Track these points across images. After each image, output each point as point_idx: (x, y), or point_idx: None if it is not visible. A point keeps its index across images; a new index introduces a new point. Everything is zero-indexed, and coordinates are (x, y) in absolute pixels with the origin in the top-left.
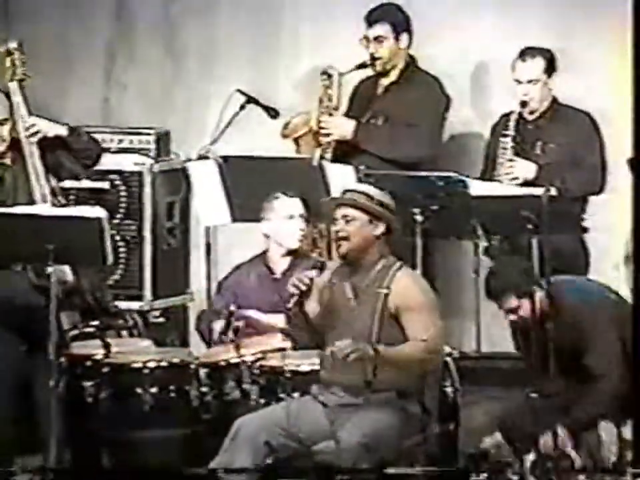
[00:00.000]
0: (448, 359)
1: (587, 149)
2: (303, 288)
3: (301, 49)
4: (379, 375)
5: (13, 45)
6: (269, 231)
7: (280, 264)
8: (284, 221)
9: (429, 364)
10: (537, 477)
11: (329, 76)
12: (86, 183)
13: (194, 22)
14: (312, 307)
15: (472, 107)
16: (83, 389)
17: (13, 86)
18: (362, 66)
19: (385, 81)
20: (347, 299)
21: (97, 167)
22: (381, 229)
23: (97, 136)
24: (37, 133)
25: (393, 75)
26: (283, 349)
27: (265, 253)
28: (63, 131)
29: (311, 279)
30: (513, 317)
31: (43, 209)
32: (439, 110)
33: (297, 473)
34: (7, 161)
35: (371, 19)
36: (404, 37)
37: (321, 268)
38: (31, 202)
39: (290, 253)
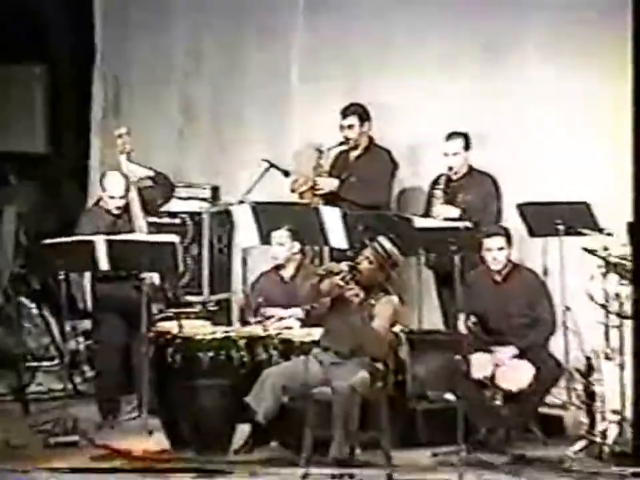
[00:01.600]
0: (401, 333)
1: (490, 199)
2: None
3: (302, 133)
4: (358, 346)
5: (123, 130)
6: (275, 251)
7: (287, 273)
8: (276, 246)
9: (383, 342)
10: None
11: (321, 151)
12: (166, 220)
13: (233, 117)
14: (324, 287)
15: (412, 171)
16: (164, 353)
17: (123, 157)
18: (340, 144)
19: (354, 153)
20: (350, 300)
21: (173, 210)
22: (384, 276)
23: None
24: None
25: (360, 149)
26: (291, 327)
27: (278, 265)
28: (151, 173)
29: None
30: None
31: (141, 236)
32: (389, 172)
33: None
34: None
35: (345, 113)
36: (366, 125)
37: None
38: (132, 231)
39: (278, 267)
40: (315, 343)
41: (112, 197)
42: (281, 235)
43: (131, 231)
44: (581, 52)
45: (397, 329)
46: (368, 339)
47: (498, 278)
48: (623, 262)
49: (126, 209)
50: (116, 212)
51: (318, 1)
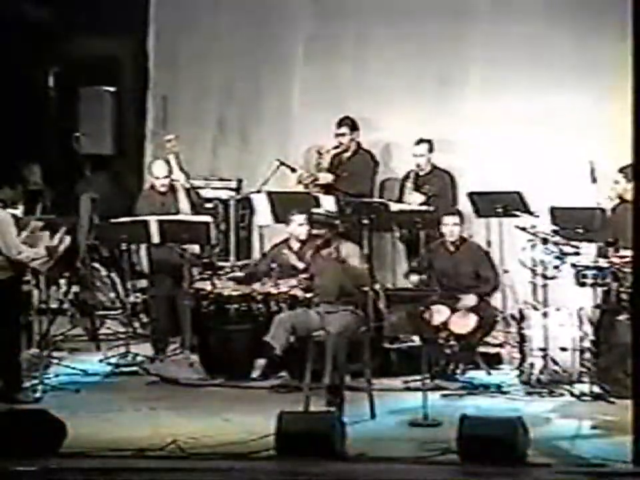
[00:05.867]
0: (380, 290)
1: (448, 189)
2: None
3: (306, 138)
4: (343, 299)
5: (172, 136)
6: (290, 229)
7: (294, 245)
8: (297, 226)
9: (361, 276)
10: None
11: (320, 153)
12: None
13: (253, 128)
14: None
15: (388, 167)
16: (201, 305)
17: (171, 157)
18: (335, 148)
19: (346, 155)
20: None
21: (208, 196)
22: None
23: (207, 182)
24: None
25: (350, 152)
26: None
27: (287, 239)
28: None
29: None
30: None
31: (183, 216)
32: (372, 169)
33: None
34: (168, 194)
35: (339, 124)
36: (355, 133)
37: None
38: (177, 213)
39: (299, 240)
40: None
41: (157, 178)
42: (300, 218)
43: (177, 212)
44: None
45: (378, 287)
46: (347, 277)
47: (452, 248)
48: (547, 236)
49: (172, 189)
50: (162, 189)
51: (312, 50)
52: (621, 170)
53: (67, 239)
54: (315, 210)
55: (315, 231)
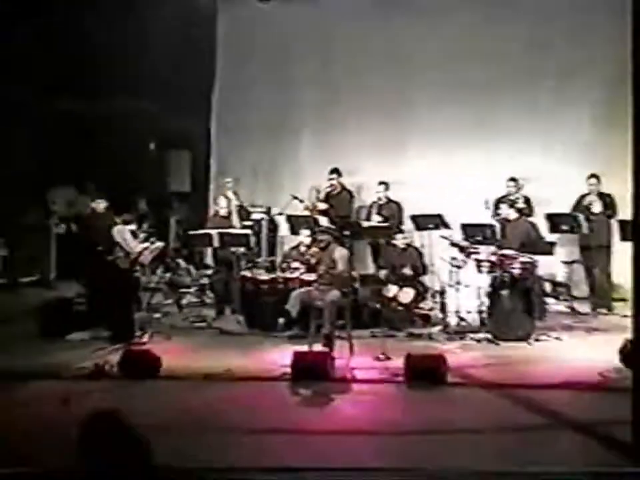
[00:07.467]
0: (356, 276)
1: (397, 213)
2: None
3: (309, 181)
4: (336, 283)
5: (230, 179)
6: (300, 238)
7: (302, 248)
8: (304, 236)
9: (347, 278)
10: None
11: (318, 191)
12: (245, 223)
13: (276, 175)
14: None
15: (360, 198)
16: (245, 285)
17: (229, 193)
18: (328, 187)
19: (334, 192)
20: (321, 254)
21: (251, 218)
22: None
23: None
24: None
25: (337, 190)
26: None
27: (298, 244)
28: (238, 202)
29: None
30: None
31: (234, 230)
32: (350, 200)
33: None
34: (226, 217)
35: (330, 172)
36: (340, 178)
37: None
38: (232, 227)
39: (305, 245)
40: (315, 282)
41: (221, 208)
42: (306, 231)
43: (231, 227)
44: None
45: (354, 273)
46: (334, 277)
47: (400, 250)
48: (459, 242)
49: (229, 215)
50: (223, 214)
51: (314, 124)
52: (500, 200)
53: (159, 245)
54: (322, 225)
55: (320, 237)
